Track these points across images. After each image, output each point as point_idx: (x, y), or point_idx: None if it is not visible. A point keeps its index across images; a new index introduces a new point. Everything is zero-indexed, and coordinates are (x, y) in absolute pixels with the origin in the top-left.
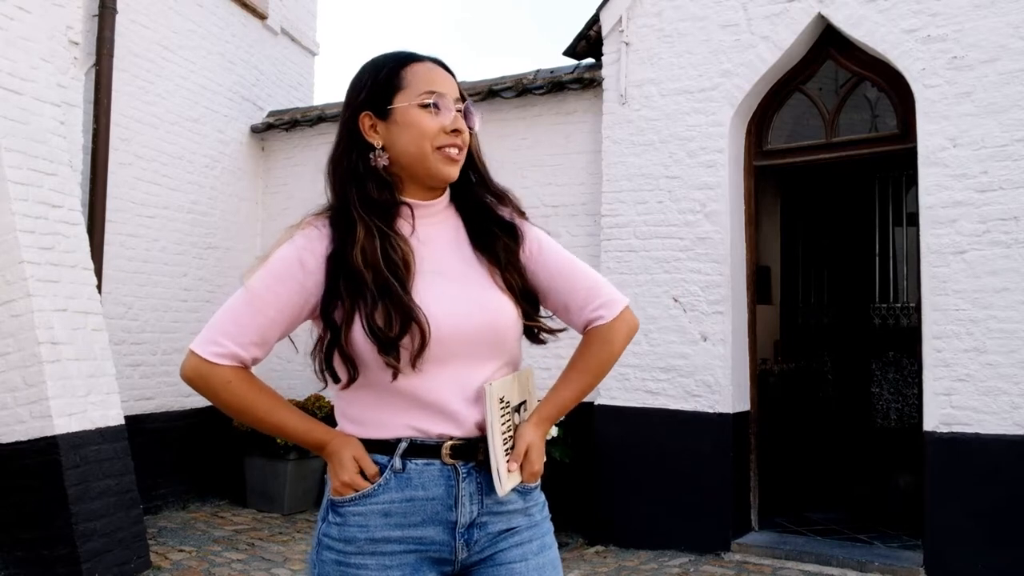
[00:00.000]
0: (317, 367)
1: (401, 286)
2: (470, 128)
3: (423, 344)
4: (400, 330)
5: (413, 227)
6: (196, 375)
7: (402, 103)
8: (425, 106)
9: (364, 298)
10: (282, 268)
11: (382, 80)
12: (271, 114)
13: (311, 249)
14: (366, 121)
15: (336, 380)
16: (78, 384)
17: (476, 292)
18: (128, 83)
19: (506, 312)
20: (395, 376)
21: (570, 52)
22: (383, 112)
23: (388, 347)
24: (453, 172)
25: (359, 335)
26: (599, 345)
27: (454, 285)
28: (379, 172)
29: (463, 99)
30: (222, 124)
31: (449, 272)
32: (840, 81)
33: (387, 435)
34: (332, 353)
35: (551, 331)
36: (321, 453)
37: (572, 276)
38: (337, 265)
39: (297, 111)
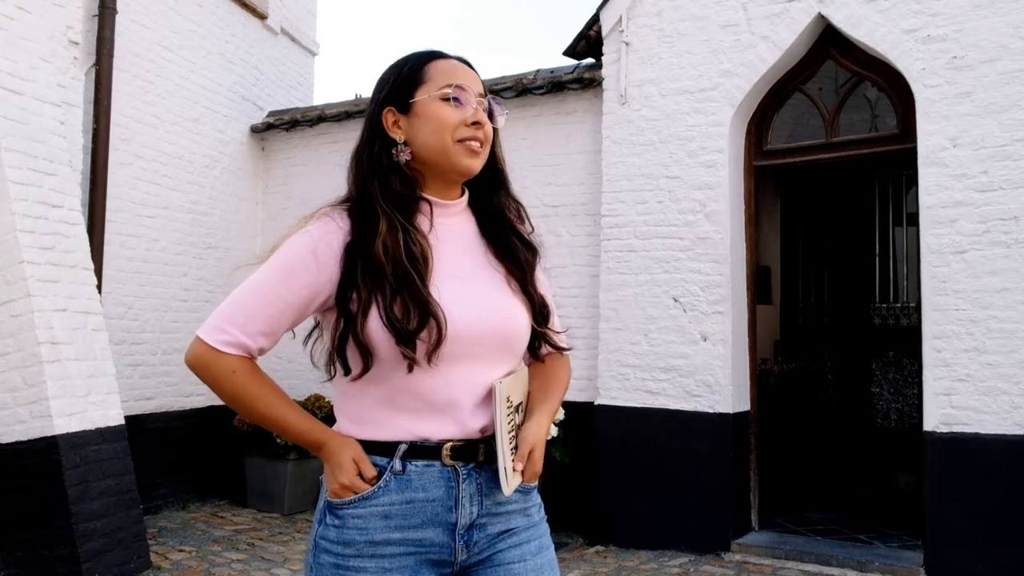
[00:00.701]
0: (328, 354)
1: (420, 280)
2: (495, 127)
3: (440, 338)
4: (418, 323)
5: (432, 224)
6: (200, 363)
7: (423, 96)
8: (446, 99)
9: (383, 289)
10: (295, 259)
11: (405, 75)
12: (271, 114)
13: (327, 241)
14: (389, 117)
15: (347, 371)
16: (78, 384)
17: (492, 295)
18: (128, 83)
19: (520, 318)
20: (411, 369)
21: (570, 52)
22: (405, 106)
23: (406, 339)
24: (475, 165)
25: (375, 325)
26: (565, 368)
27: (470, 286)
28: (401, 167)
29: (486, 96)
30: (222, 124)
31: (465, 274)
32: (840, 81)
33: (387, 436)
34: (346, 341)
35: (556, 346)
36: (319, 454)
37: (552, 304)
38: (355, 255)
39: (297, 111)
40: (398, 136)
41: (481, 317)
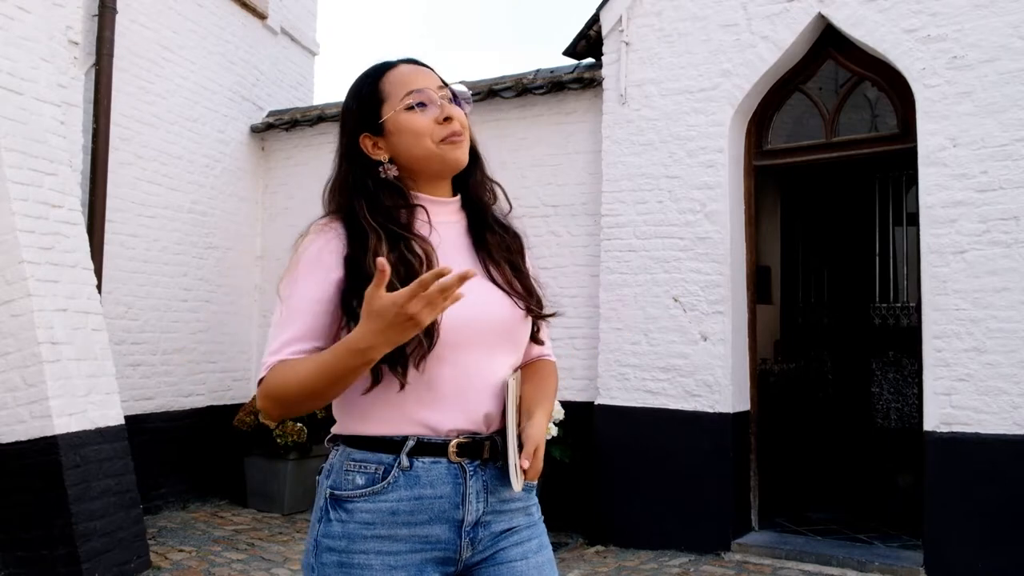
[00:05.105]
0: None
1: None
2: (465, 113)
3: (431, 344)
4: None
5: (431, 226)
6: (265, 396)
7: (388, 113)
8: (410, 108)
9: None
10: (310, 264)
11: (365, 98)
12: (271, 114)
13: (330, 248)
14: (367, 142)
15: (368, 386)
16: (78, 384)
17: (488, 287)
18: (128, 83)
19: (513, 309)
20: (402, 387)
21: (570, 52)
22: (377, 128)
23: (394, 359)
24: (462, 156)
25: None
26: (553, 372)
27: (471, 283)
28: (391, 182)
29: (446, 86)
30: (222, 124)
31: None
32: (840, 81)
33: (394, 431)
34: None
35: (541, 315)
36: (366, 337)
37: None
38: (353, 269)
39: (297, 111)
40: (382, 156)
41: (482, 309)
